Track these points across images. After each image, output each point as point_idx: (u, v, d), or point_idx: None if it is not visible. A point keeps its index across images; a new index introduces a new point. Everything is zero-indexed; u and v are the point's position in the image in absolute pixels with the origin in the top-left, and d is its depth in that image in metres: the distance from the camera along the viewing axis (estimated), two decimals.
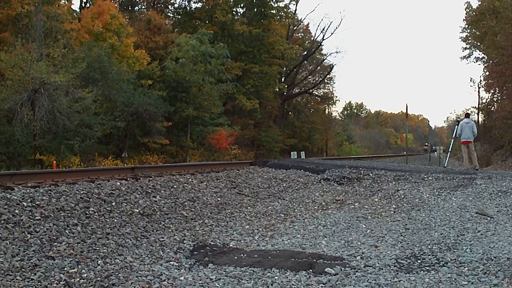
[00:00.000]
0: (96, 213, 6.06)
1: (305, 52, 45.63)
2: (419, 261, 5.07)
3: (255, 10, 37.63)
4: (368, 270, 4.73)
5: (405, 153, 34.22)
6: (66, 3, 26.64)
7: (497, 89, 30.09)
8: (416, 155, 46.66)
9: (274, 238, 6.34)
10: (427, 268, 4.79)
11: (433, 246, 5.60)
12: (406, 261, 5.08)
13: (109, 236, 5.49)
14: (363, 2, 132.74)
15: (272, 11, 38.90)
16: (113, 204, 6.59)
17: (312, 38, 46.67)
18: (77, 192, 6.59)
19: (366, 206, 8.45)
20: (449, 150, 18.12)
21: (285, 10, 41.28)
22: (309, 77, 48.34)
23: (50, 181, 7.27)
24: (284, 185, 10.59)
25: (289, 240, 6.19)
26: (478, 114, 38.51)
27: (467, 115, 16.17)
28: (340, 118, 67.68)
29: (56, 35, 20.45)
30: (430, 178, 10.87)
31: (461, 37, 38.40)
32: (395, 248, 5.62)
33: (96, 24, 24.80)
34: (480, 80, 37.82)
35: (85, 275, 4.28)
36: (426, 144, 73.65)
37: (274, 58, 38.71)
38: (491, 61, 30.79)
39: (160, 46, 30.37)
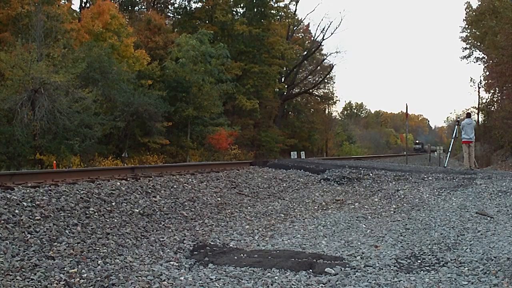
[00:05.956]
0: (96, 213, 6.06)
1: (305, 52, 45.63)
2: (419, 261, 5.07)
3: (255, 10, 37.62)
4: (368, 270, 4.73)
5: (405, 153, 34.22)
6: (66, 3, 26.64)
7: (497, 89, 30.11)
8: (416, 155, 46.65)
9: (274, 238, 6.34)
10: (427, 268, 4.79)
11: (433, 246, 5.60)
12: (406, 261, 5.08)
13: (109, 236, 5.48)
14: (363, 2, 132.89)
15: (272, 11, 38.90)
16: (113, 204, 6.59)
17: (312, 38, 46.73)
18: (77, 192, 6.58)
19: (366, 206, 8.45)
20: (449, 150, 18.11)
21: (285, 10, 41.30)
22: (309, 77, 48.34)
23: (50, 181, 7.26)
24: (284, 185, 10.58)
25: (289, 240, 6.19)
26: (478, 114, 38.56)
27: (468, 115, 16.14)
28: (340, 118, 67.67)
29: (56, 35, 20.46)
30: (430, 178, 10.87)
31: (461, 37, 38.46)
32: (395, 248, 5.62)
33: (96, 24, 24.81)
34: (480, 80, 37.89)
35: (85, 275, 4.28)
36: (417, 142, 72.43)
37: (274, 58, 38.70)
38: (491, 61, 30.79)
39: (160, 46, 30.37)
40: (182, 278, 4.47)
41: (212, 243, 5.98)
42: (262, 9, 37.53)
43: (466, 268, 4.64)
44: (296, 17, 45.36)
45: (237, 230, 6.74)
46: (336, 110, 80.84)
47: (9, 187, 6.29)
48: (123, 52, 25.82)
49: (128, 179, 8.25)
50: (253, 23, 36.30)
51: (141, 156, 24.96)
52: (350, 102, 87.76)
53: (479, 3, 33.64)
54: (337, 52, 59.55)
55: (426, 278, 4.43)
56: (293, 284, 4.36)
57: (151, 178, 8.60)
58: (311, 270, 4.77)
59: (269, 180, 10.82)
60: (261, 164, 13.41)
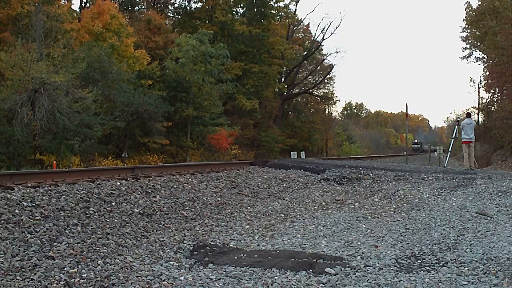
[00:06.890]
0: (96, 213, 6.05)
1: (305, 52, 45.62)
2: (419, 261, 5.06)
3: (255, 10, 37.65)
4: (368, 270, 4.73)
5: (405, 153, 34.23)
6: (66, 3, 26.64)
7: (497, 89, 30.13)
8: (416, 155, 46.67)
9: (274, 238, 6.34)
10: (427, 268, 4.79)
11: (433, 246, 5.60)
12: (406, 261, 5.08)
13: (109, 236, 5.48)
14: (363, 2, 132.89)
15: (272, 11, 38.92)
16: (113, 204, 6.59)
17: (312, 38, 46.71)
18: (77, 192, 6.58)
19: (366, 206, 8.44)
20: (449, 150, 18.11)
21: (285, 10, 41.31)
22: (309, 77, 48.35)
23: (50, 181, 7.26)
24: (284, 185, 10.58)
25: (289, 240, 6.19)
26: (478, 114, 38.59)
27: (468, 115, 16.14)
28: (340, 118, 67.65)
29: (56, 35, 20.44)
30: (430, 178, 10.87)
31: (461, 37, 38.48)
32: (395, 248, 5.62)
33: (96, 24, 24.80)
34: (480, 80, 37.96)
35: (85, 275, 4.28)
36: (416, 141, 72.25)
37: (274, 58, 38.71)
38: (491, 61, 30.82)
39: (160, 46, 30.37)
40: (182, 278, 4.47)
41: (212, 243, 5.98)
42: (262, 9, 37.55)
43: (466, 268, 4.64)
44: (296, 17, 45.39)
45: (237, 230, 6.74)
46: (336, 110, 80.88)
47: (9, 187, 6.29)
48: (123, 52, 25.81)
49: (128, 179, 8.25)
50: (253, 23, 36.31)
51: (141, 156, 24.97)
52: (350, 102, 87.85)
53: (479, 3, 33.66)
54: (337, 52, 59.68)
55: (426, 278, 4.43)
56: (293, 284, 4.36)
57: (151, 178, 8.59)
58: (311, 270, 4.77)
59: (269, 180, 10.82)
60: (261, 164, 13.41)
